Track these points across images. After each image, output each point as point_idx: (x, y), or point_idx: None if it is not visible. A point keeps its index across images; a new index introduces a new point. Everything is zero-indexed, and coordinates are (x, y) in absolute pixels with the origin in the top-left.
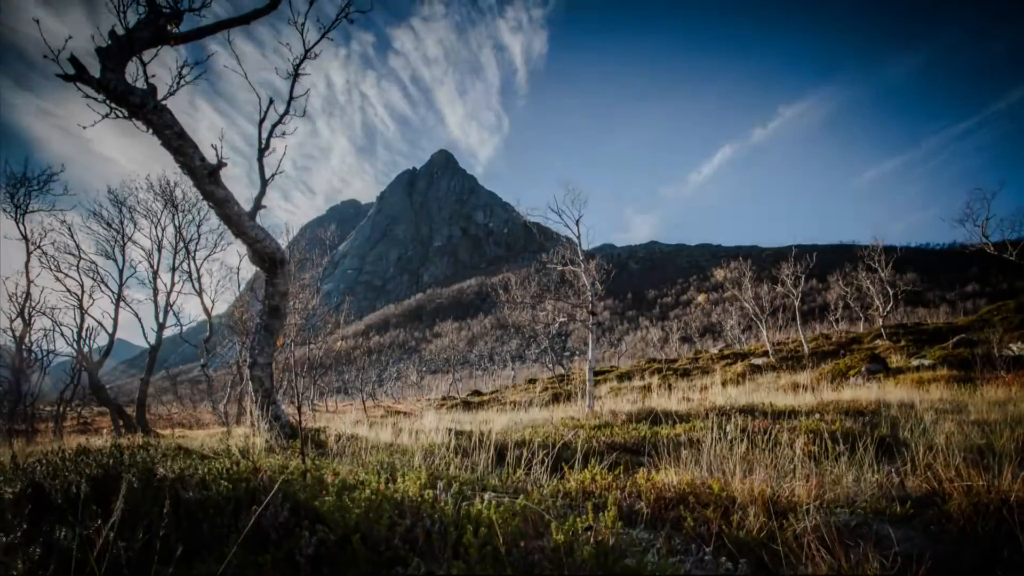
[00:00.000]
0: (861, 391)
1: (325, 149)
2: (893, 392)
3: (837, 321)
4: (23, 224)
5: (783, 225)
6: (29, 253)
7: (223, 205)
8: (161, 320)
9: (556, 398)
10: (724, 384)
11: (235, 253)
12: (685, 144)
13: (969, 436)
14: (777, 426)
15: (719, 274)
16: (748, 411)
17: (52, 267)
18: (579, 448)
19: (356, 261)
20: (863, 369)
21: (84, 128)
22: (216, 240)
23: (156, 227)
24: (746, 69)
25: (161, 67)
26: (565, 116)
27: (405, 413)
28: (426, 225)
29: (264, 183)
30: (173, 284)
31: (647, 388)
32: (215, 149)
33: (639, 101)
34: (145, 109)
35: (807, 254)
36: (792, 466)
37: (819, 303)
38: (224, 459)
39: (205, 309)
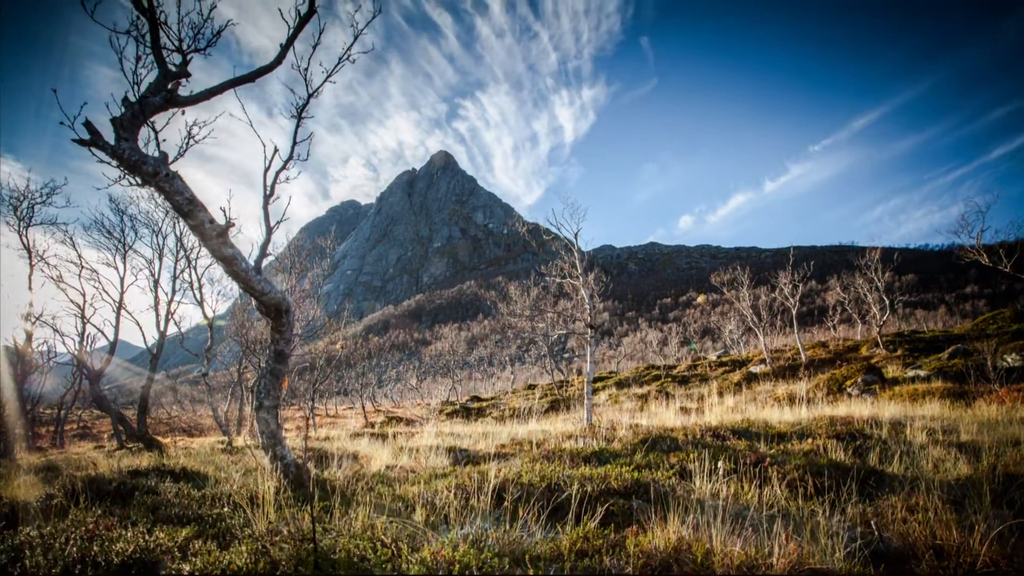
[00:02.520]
0: (856, 406)
1: (380, 186)
2: (887, 408)
3: (835, 326)
4: (26, 237)
5: (785, 231)
6: (32, 265)
7: (231, 263)
8: (162, 328)
9: (555, 406)
10: (721, 394)
11: None
12: (701, 192)
13: (957, 463)
14: (769, 456)
15: (717, 279)
16: (743, 433)
17: (54, 277)
18: (574, 496)
19: (356, 262)
20: (859, 380)
21: (98, 190)
22: None
23: (157, 236)
24: (763, 128)
25: (169, 124)
26: (602, 171)
27: (406, 420)
28: (426, 226)
29: (269, 231)
30: (174, 293)
31: (645, 397)
32: (223, 211)
33: (665, 157)
34: (158, 177)
35: (806, 260)
36: (777, 508)
37: (818, 304)
38: (241, 546)
39: (206, 318)
